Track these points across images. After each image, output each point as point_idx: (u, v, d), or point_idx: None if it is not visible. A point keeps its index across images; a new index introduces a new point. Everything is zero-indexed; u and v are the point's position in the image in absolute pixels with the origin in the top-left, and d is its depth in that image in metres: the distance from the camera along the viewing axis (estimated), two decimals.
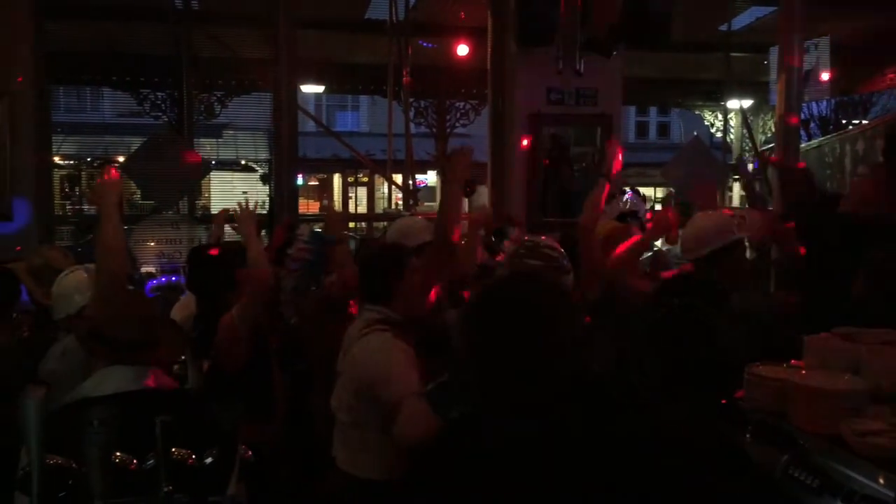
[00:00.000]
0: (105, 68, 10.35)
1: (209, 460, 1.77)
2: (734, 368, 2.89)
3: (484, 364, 1.57)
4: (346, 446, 3.00)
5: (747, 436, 2.30)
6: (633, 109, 25.19)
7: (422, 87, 10.93)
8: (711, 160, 8.16)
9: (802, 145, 8.66)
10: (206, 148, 16.02)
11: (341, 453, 3.02)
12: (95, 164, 19.09)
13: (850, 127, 14.75)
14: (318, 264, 4.61)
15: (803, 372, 2.41)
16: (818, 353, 2.49)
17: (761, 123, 12.77)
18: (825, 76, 9.62)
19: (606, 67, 6.71)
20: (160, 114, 10.36)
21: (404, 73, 8.65)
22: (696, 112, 13.53)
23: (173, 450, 1.70)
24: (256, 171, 19.43)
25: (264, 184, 21.25)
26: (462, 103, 12.34)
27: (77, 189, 20.62)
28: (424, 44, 9.43)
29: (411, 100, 9.74)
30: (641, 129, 27.60)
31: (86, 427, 1.58)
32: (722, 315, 3.01)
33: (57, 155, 14.83)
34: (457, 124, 12.59)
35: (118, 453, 1.68)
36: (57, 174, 16.90)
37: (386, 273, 3.02)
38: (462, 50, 9.34)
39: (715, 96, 11.99)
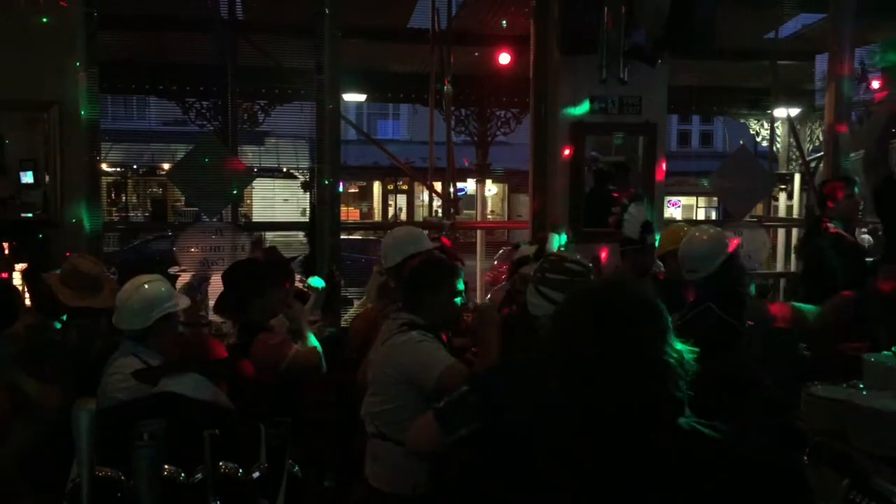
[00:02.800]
0: (152, 77, 10.52)
1: (257, 475, 1.76)
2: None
3: (568, 368, 1.54)
4: (372, 459, 3.14)
5: (805, 458, 2.23)
6: (675, 118, 24.91)
7: (463, 96, 10.93)
8: (758, 170, 8.03)
9: (851, 155, 8.48)
10: (249, 155, 16.21)
11: (368, 466, 3.15)
12: (141, 172, 19.45)
13: None
14: None
15: (864, 393, 2.33)
16: (879, 374, 2.40)
17: (809, 132, 12.53)
18: (875, 84, 9.41)
19: (651, 75, 6.64)
20: (205, 122, 10.50)
21: (446, 81, 8.64)
22: (742, 121, 13.32)
23: (221, 464, 1.69)
24: (298, 178, 19.60)
25: (305, 191, 21.43)
26: (503, 112, 12.32)
27: (123, 196, 21.00)
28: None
29: (452, 108, 9.74)
30: (684, 137, 27.29)
31: (135, 440, 1.57)
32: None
33: (104, 162, 15.10)
34: (498, 133, 12.57)
35: (167, 466, 1.68)
36: (104, 181, 17.23)
37: (421, 286, 3.24)
38: (504, 58, 9.32)
39: (761, 104, 11.79)
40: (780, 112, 11.60)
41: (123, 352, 3.22)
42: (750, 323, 3.61)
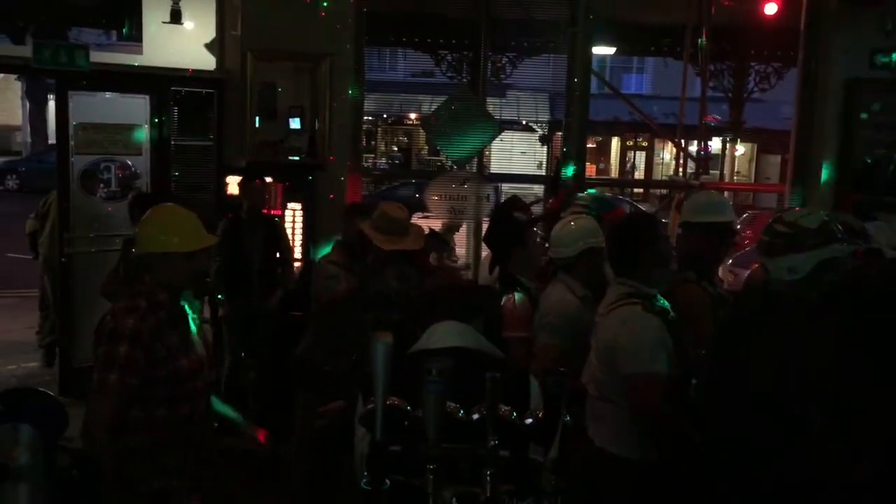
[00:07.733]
0: (409, 29, 10.92)
1: (532, 420, 1.83)
2: None
3: None
4: (597, 420, 3.09)
5: None
6: None
7: (720, 49, 10.33)
8: None
9: None
10: (492, 108, 16.50)
11: (592, 426, 3.09)
12: (390, 121, 20.48)
13: None
14: None
15: None
16: None
17: None
18: None
19: None
20: (454, 74, 10.77)
21: (704, 33, 8.20)
22: None
23: (500, 406, 1.78)
24: (536, 131, 19.73)
25: (543, 144, 21.50)
26: (762, 66, 11.48)
27: (373, 143, 22.26)
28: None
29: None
30: None
31: (425, 375, 1.70)
32: None
33: None
34: (755, 89, 11.78)
35: (450, 402, 1.79)
36: None
37: (633, 243, 3.05)
38: (770, 8, 8.63)
39: None
40: None
41: (555, 281, 3.59)
42: None
